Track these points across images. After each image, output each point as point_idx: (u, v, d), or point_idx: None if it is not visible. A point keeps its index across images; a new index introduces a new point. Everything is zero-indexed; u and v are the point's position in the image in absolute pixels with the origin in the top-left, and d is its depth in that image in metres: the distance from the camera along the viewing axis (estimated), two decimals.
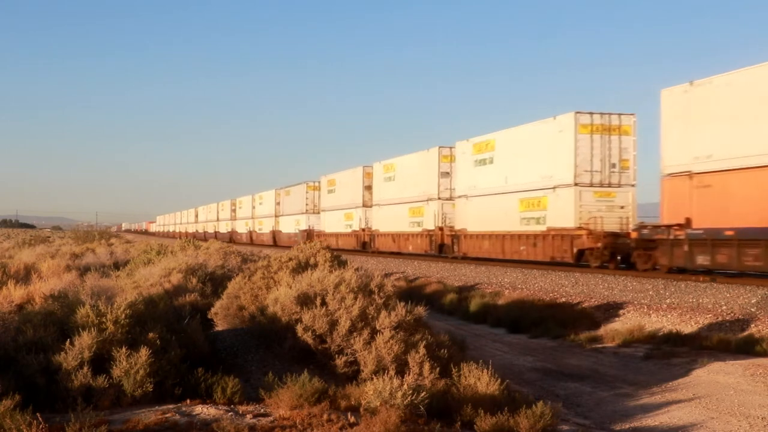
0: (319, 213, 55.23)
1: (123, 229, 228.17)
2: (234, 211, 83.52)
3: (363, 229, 45.88)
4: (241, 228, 78.29)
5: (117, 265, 19.33)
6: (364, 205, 46.03)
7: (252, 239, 72.05)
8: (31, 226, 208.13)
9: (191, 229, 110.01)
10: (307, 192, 57.11)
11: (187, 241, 26.71)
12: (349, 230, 48.39)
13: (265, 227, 67.86)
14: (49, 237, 67.09)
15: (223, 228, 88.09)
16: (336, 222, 50.75)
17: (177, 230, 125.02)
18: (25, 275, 16.47)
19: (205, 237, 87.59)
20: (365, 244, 45.66)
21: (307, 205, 56.80)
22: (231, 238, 79.67)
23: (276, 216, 64.54)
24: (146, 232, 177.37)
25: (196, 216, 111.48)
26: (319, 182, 56.19)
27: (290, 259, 11.02)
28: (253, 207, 73.50)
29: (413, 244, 37.89)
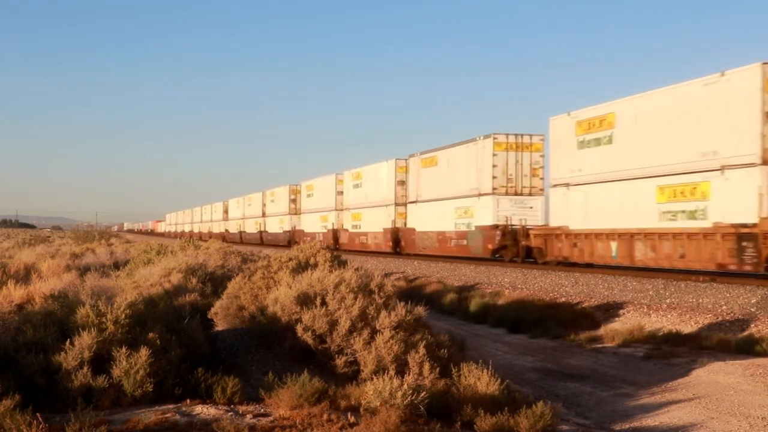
0: (526, 194, 29.20)
1: (125, 229, 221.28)
2: (295, 201, 59.07)
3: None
4: (312, 225, 53.31)
5: (117, 265, 19.33)
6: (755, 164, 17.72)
7: (337, 241, 46.36)
8: (31, 226, 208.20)
9: (218, 229, 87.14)
10: (495, 152, 29.20)
11: (187, 241, 26.69)
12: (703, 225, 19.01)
13: (370, 223, 41.93)
14: (49, 237, 67.07)
15: (275, 226, 63.20)
16: (607, 209, 22.70)
17: (196, 230, 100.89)
18: (25, 275, 16.49)
19: (241, 239, 71.44)
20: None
21: (496, 179, 29.04)
22: (291, 239, 55.64)
23: (398, 204, 38.53)
24: (152, 233, 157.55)
25: (226, 211, 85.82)
26: (519, 137, 29.38)
27: (290, 259, 11.03)
28: (340, 192, 47.74)
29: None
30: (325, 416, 6.42)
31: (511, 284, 21.96)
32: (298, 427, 6.21)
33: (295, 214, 58.67)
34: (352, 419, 6.39)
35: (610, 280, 20.18)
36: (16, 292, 11.77)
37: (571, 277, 21.77)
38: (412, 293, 17.79)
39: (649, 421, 8.50)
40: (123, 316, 7.75)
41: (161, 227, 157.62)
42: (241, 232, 74.96)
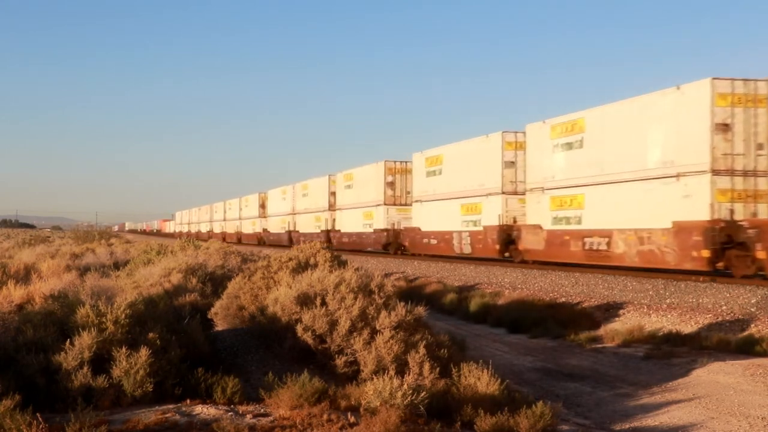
0: None
1: (127, 229, 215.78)
2: (393, 185, 40.18)
3: None
4: (437, 219, 33.53)
5: (117, 265, 19.33)
6: None
7: (512, 244, 28.02)
8: (31, 226, 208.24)
9: (250, 228, 69.45)
10: None
11: (187, 241, 26.69)
12: None
13: (611, 215, 22.00)
14: (49, 237, 67.06)
15: (355, 223, 43.67)
16: None
17: (218, 230, 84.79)
18: (25, 275, 16.49)
19: (290, 240, 52.86)
20: None
21: None
22: (392, 241, 39.03)
23: (718, 172, 18.29)
24: (159, 233, 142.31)
25: (263, 206, 66.12)
26: None
27: (290, 259, 11.03)
28: (510, 164, 28.48)
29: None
30: (325, 416, 6.42)
31: (511, 284, 21.96)
32: (298, 427, 6.21)
33: (395, 204, 39.84)
34: (352, 419, 6.39)
35: (610, 280, 20.18)
36: (16, 292, 11.77)
37: (571, 277, 21.77)
38: (412, 293, 17.78)
39: (649, 421, 8.50)
40: (123, 316, 7.74)
41: (170, 227, 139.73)
42: (289, 232, 55.62)
